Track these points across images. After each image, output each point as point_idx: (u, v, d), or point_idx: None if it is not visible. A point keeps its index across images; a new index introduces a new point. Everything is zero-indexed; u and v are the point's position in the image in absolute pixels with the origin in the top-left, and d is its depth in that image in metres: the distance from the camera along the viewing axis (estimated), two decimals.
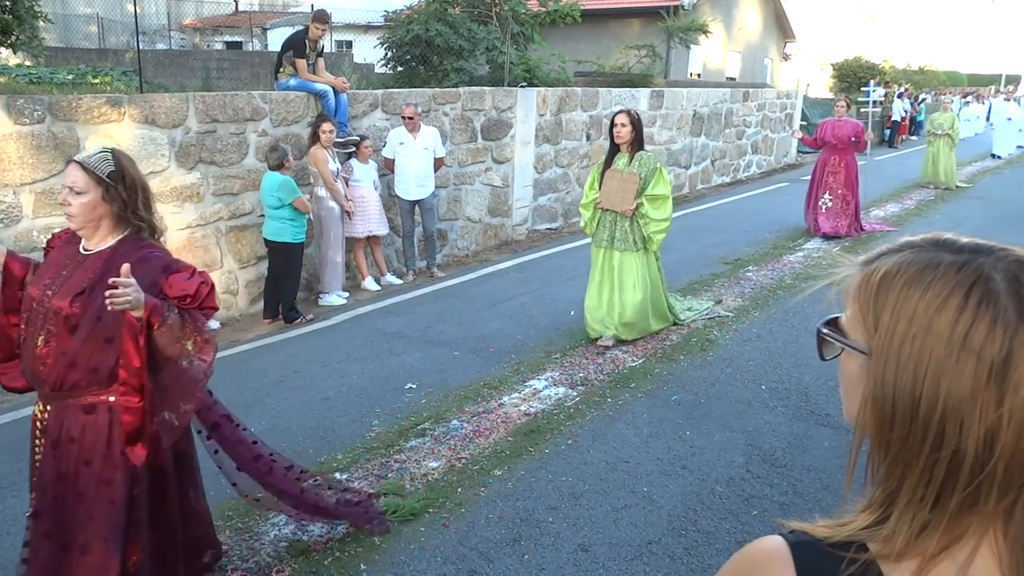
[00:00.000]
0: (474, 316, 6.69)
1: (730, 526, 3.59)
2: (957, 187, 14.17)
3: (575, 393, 5.05)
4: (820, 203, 9.82)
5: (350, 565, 3.30)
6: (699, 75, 23.58)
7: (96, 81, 11.59)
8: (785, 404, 4.91)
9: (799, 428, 4.59)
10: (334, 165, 6.98)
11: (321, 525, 3.58)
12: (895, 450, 0.78)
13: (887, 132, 22.52)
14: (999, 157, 19.63)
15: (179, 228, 6.31)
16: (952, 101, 17.58)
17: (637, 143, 5.66)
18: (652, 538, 3.49)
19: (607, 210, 5.72)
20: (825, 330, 0.86)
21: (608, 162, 5.76)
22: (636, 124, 5.62)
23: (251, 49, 22.95)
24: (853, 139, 9.63)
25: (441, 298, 7.33)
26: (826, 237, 9.68)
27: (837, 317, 0.86)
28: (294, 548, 3.41)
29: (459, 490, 3.88)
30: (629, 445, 4.36)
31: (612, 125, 5.62)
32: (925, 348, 0.75)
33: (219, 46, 23.86)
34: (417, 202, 7.79)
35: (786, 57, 31.81)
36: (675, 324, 6.25)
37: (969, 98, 27.47)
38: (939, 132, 14.14)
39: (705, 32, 19.53)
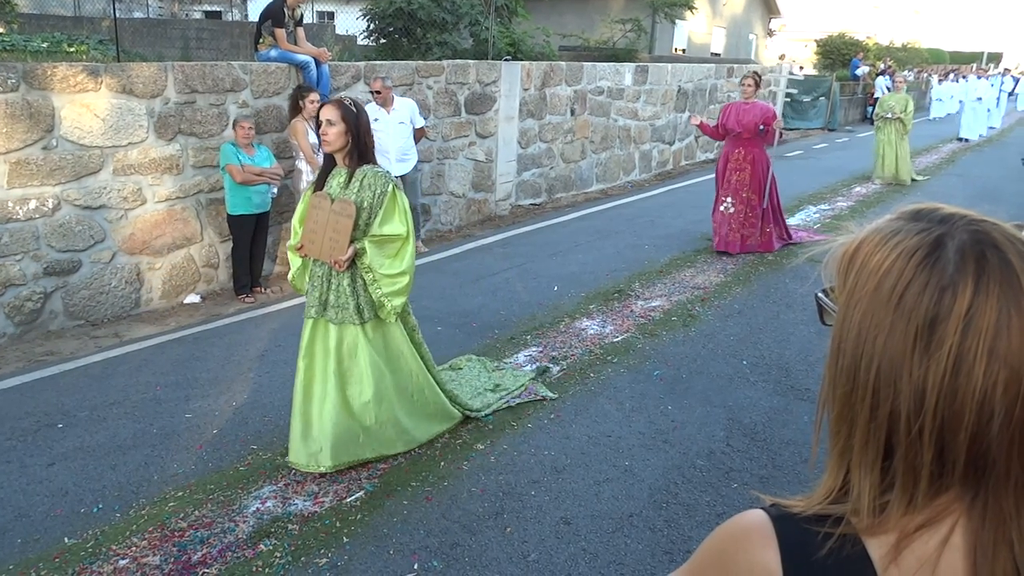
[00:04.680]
0: (457, 291, 6.68)
1: (710, 499, 3.64)
2: (913, 181, 12.24)
3: (557, 368, 5.07)
4: (722, 208, 7.80)
5: (333, 538, 3.31)
6: (684, 50, 23.50)
7: (72, 49, 11.36)
8: (766, 379, 4.96)
9: (779, 403, 4.64)
10: (314, 138, 6.90)
11: (303, 499, 3.59)
12: (840, 405, 0.81)
13: (869, 109, 22.64)
14: (966, 140, 18.47)
15: (158, 201, 6.23)
16: (930, 78, 17.30)
17: (358, 152, 3.71)
18: (633, 511, 3.53)
19: (317, 259, 3.81)
20: (820, 294, 0.88)
21: (320, 182, 3.84)
22: (352, 122, 3.64)
23: (231, 19, 22.57)
24: (761, 127, 7.54)
25: (424, 273, 7.30)
26: (728, 254, 7.74)
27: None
28: (277, 521, 3.42)
29: (442, 464, 3.90)
30: (611, 420, 4.39)
31: (317, 124, 3.74)
32: (871, 308, 0.77)
33: (198, 15, 23.42)
34: (399, 177, 7.72)
35: (771, 33, 31.75)
36: (468, 418, 4.31)
37: (951, 76, 27.55)
38: (889, 116, 12.02)
39: (690, 7, 19.44)
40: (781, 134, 7.66)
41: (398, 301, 3.79)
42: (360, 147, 3.70)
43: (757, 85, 7.64)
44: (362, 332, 3.79)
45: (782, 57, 25.41)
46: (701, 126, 7.90)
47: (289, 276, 3.98)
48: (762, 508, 0.86)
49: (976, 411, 0.72)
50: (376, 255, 3.72)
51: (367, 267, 3.72)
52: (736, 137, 7.67)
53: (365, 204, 3.68)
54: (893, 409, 0.75)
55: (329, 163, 3.82)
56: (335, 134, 3.63)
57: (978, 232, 0.76)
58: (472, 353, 5.27)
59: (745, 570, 0.83)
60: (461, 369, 4.87)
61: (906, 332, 0.74)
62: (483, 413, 4.36)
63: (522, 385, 4.71)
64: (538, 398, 4.60)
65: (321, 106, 3.69)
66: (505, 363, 5.05)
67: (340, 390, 3.77)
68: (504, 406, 4.47)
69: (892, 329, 0.75)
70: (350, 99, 3.73)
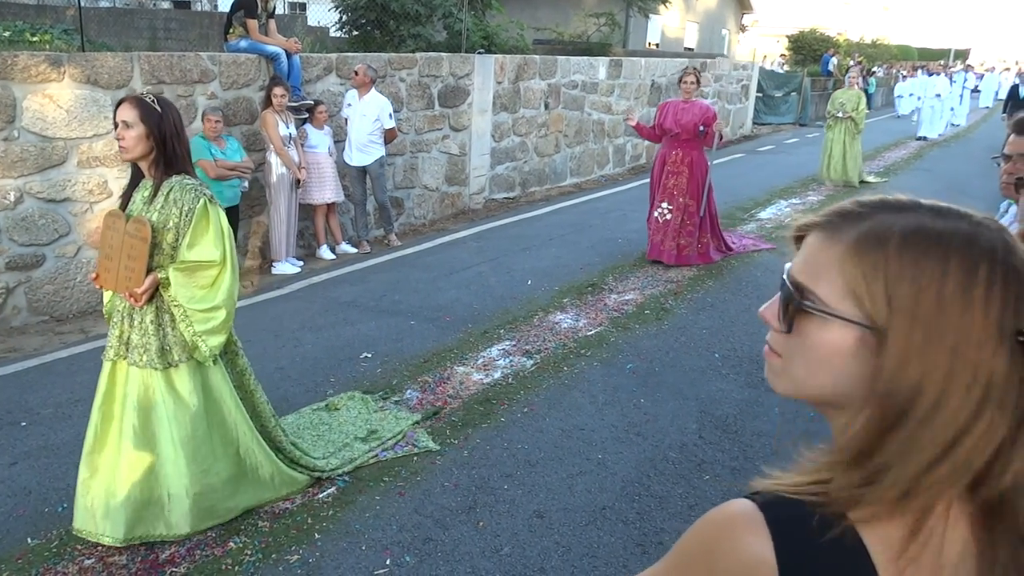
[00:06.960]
0: (430, 285, 6.65)
1: (683, 491, 3.66)
2: (863, 183, 11.58)
3: (531, 362, 5.06)
4: (656, 214, 7.23)
5: (304, 534, 3.28)
6: (657, 45, 23.61)
7: (35, 39, 11.10)
8: (737, 371, 5.00)
9: (751, 395, 4.68)
10: (286, 130, 6.82)
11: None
12: (890, 421, 0.74)
13: None
14: (925, 139, 17.93)
15: None
16: (899, 74, 17.21)
17: (164, 161, 3.02)
18: (606, 503, 3.54)
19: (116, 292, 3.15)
20: (808, 303, 0.81)
21: (125, 198, 3.17)
22: (154, 124, 2.96)
23: (200, 9, 22.23)
24: (701, 128, 6.91)
25: (397, 267, 7.26)
26: (662, 263, 7.17)
27: (801, 283, 0.82)
28: (248, 518, 3.37)
29: (414, 458, 3.88)
30: (584, 413, 4.40)
31: (115, 126, 3.01)
32: (950, 328, 0.72)
33: (166, 5, 23.05)
34: (359, 168, 7.62)
35: (743, 28, 32.02)
36: (320, 479, 3.65)
37: (918, 72, 27.89)
38: (840, 115, 11.29)
39: (663, 1, 19.51)
40: (722, 136, 7.12)
41: (215, 341, 3.12)
42: (167, 154, 3.01)
43: (699, 82, 7.01)
44: (164, 380, 3.10)
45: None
46: (637, 127, 7.19)
47: (104, 310, 3.30)
48: (745, 496, 0.81)
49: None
50: (183, 286, 3.04)
51: (173, 300, 3.05)
52: (674, 138, 7.03)
53: (171, 224, 3.01)
54: (943, 425, 0.73)
55: (137, 174, 3.13)
56: (132, 139, 2.95)
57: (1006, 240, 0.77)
58: (445, 348, 5.25)
59: (733, 561, 0.78)
60: (338, 410, 4.30)
61: (1009, 356, 0.73)
62: (340, 471, 3.70)
63: (400, 432, 4.07)
64: (416, 450, 3.95)
65: (119, 104, 3.00)
66: (391, 403, 4.44)
67: (140, 449, 3.11)
68: (373, 460, 3.85)
69: (980, 354, 0.73)
70: (152, 96, 3.05)
